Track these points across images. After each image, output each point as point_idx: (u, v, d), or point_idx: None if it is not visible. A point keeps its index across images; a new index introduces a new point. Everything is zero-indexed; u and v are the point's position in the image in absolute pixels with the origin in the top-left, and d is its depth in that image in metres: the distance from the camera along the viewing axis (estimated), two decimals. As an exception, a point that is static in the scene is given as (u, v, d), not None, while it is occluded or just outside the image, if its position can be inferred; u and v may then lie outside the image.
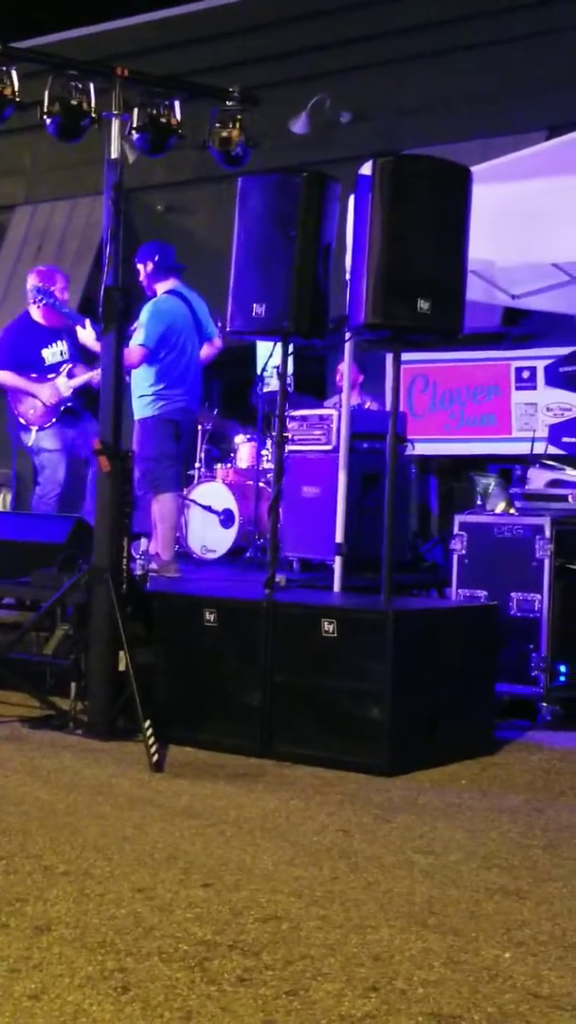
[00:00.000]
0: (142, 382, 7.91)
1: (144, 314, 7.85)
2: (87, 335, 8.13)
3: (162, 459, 7.96)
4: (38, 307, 8.44)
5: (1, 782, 5.10)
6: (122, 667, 5.92)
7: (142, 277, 8.07)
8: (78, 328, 8.26)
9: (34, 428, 8.33)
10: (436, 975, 3.20)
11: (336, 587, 6.91)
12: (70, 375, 8.37)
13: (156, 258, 8.14)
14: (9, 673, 6.32)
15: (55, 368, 8.39)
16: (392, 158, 5.98)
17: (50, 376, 8.35)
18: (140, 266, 8.08)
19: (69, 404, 8.34)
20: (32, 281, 8.54)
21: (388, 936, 3.47)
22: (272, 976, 3.17)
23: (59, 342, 8.46)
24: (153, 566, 7.86)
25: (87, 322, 8.16)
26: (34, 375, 8.35)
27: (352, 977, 3.18)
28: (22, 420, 8.40)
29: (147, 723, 5.56)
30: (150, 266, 8.07)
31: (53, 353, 8.43)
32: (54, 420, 8.34)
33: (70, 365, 8.41)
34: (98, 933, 3.42)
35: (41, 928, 3.45)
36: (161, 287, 8.12)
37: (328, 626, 5.61)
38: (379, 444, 7.86)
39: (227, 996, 3.04)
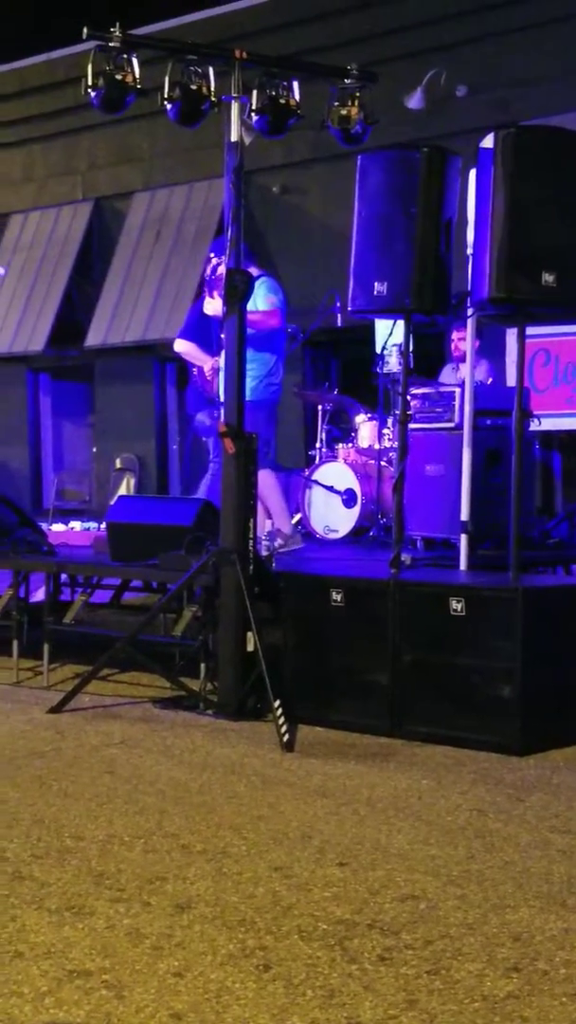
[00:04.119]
0: (259, 364, 7.93)
1: (264, 287, 7.86)
2: (219, 305, 8.19)
3: (270, 441, 8.05)
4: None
5: (136, 762, 5.19)
6: (250, 647, 5.97)
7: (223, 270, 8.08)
8: (207, 299, 8.35)
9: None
10: (578, 956, 3.17)
11: (462, 565, 6.86)
12: None
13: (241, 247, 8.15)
14: (139, 655, 6.40)
15: None
16: (513, 129, 5.90)
17: None
18: (222, 257, 8.08)
19: None
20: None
21: (528, 916, 3.44)
22: (412, 955, 3.17)
23: None
24: (278, 542, 7.90)
25: (215, 292, 8.24)
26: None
27: (493, 957, 3.16)
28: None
29: (277, 703, 5.59)
30: None
31: None
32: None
33: None
34: (237, 911, 3.46)
35: (182, 906, 3.50)
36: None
37: (456, 604, 5.58)
38: (502, 420, 7.77)
39: (368, 975, 3.05)
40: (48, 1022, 2.79)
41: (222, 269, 8.06)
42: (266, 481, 8.01)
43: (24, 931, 3.32)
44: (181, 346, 8.75)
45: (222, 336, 6.54)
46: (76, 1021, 2.79)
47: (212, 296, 8.29)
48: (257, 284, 7.86)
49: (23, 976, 3.03)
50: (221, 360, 8.24)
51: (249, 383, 7.86)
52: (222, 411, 6.39)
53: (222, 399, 6.45)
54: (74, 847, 4.04)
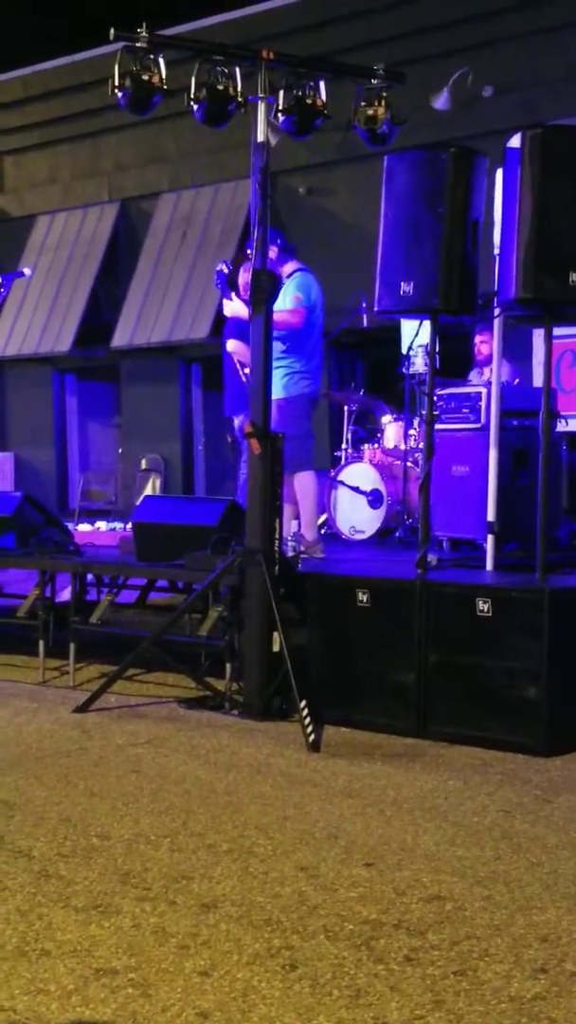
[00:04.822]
0: (292, 360, 7.92)
1: (293, 284, 7.86)
2: (237, 306, 8.19)
3: (306, 438, 7.99)
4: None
5: (162, 761, 5.19)
6: (276, 648, 5.97)
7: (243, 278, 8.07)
8: (225, 301, 8.34)
9: None
10: (606, 958, 3.15)
11: (488, 566, 6.85)
12: None
13: (280, 243, 8.14)
14: (165, 655, 6.41)
15: None
16: (541, 129, 5.88)
17: None
18: None
19: None
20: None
21: (555, 917, 3.43)
22: (439, 956, 3.16)
23: None
24: (300, 548, 7.88)
25: (232, 293, 8.23)
26: None
27: (520, 958, 3.15)
28: None
29: (303, 703, 5.59)
30: (274, 251, 8.05)
31: None
32: None
33: None
34: (264, 911, 3.46)
35: (207, 905, 3.50)
36: (287, 269, 8.11)
37: (483, 605, 5.56)
38: (529, 421, 7.75)
39: (395, 975, 3.04)
40: (75, 1020, 2.80)
41: (243, 278, 8.07)
42: (306, 484, 7.99)
43: (51, 929, 3.33)
44: (233, 345, 8.73)
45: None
46: (102, 1019, 2.80)
47: (229, 298, 8.29)
48: (288, 281, 7.87)
49: (50, 974, 3.04)
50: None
51: (280, 379, 7.87)
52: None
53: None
54: (100, 846, 4.05)
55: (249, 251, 8.16)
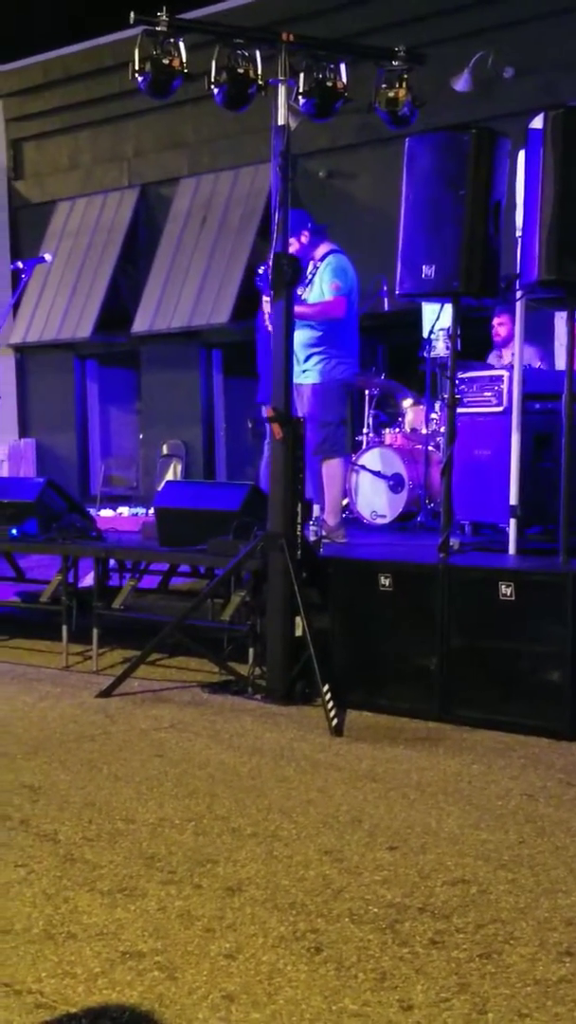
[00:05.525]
0: (328, 345, 7.89)
1: (329, 270, 7.83)
2: None
3: (341, 424, 7.98)
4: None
5: (185, 746, 5.20)
6: (299, 632, 5.97)
7: (295, 249, 8.02)
8: (265, 298, 8.31)
9: None
10: (631, 941, 3.15)
11: (511, 549, 6.83)
12: None
13: (310, 226, 8.10)
14: (188, 639, 6.42)
15: None
16: (564, 110, 5.83)
17: None
18: (291, 239, 8.02)
19: None
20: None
21: (579, 901, 3.43)
22: (464, 939, 3.16)
23: None
24: (323, 532, 7.88)
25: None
26: None
27: (545, 941, 3.15)
28: None
29: (325, 687, 5.59)
30: (306, 236, 8.02)
31: None
32: None
33: None
34: (288, 894, 3.47)
35: (232, 889, 3.51)
36: (320, 251, 8.07)
37: (506, 589, 5.55)
38: (551, 404, 7.71)
39: (420, 958, 3.04)
40: (101, 1003, 2.81)
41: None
42: (334, 471, 7.97)
43: (77, 913, 3.34)
44: None
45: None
46: (129, 1002, 2.81)
47: (271, 297, 8.28)
48: (322, 266, 7.84)
49: (76, 957, 3.05)
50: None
51: (316, 365, 7.87)
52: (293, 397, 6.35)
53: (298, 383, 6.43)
54: (125, 830, 4.06)
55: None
